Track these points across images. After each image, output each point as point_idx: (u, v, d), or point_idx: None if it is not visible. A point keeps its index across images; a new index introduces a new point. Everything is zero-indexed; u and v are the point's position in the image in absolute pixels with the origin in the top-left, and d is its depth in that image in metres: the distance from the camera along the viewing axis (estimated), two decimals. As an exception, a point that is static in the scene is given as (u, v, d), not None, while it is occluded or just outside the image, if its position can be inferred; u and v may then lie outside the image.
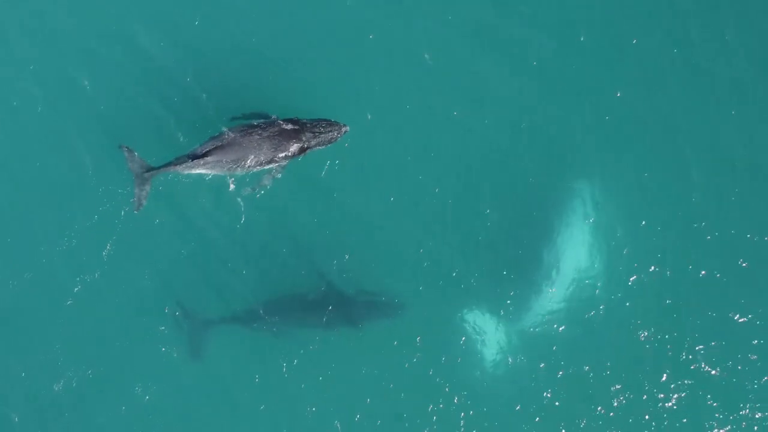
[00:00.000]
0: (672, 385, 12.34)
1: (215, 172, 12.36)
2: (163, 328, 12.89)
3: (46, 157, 13.30)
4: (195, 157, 12.07)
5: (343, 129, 12.45)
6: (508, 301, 12.69)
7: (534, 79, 12.97)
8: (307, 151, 12.40)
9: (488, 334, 12.66)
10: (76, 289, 13.04)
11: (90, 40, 13.27)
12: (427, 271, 12.80)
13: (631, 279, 12.57)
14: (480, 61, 13.03)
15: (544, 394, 12.49)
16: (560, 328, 12.56)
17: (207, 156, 12.08)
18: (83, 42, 13.29)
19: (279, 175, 12.52)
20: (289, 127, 12.24)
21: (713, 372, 12.30)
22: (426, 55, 13.04)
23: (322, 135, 12.37)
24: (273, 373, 12.82)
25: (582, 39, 12.95)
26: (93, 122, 13.18)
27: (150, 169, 12.16)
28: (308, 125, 12.33)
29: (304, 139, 12.28)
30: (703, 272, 12.49)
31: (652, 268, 12.54)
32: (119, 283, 12.98)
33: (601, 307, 12.52)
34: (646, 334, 12.47)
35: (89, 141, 13.16)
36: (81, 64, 13.25)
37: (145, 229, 12.99)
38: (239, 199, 12.79)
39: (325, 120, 12.43)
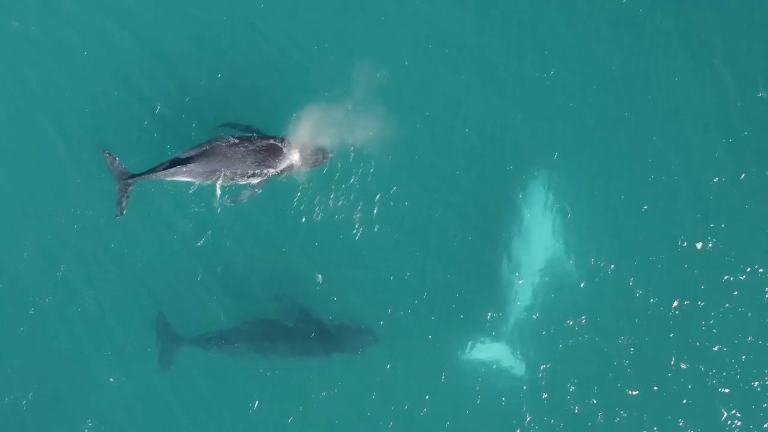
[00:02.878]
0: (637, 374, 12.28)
1: (197, 181, 12.13)
2: (109, 353, 12.51)
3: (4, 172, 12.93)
4: (178, 162, 11.85)
5: (329, 155, 12.44)
6: (489, 314, 12.47)
7: (499, 84, 13.03)
8: (291, 171, 12.30)
9: (471, 352, 12.44)
10: (30, 311, 12.60)
11: (79, 42, 13.10)
12: (405, 295, 12.55)
13: (598, 268, 12.48)
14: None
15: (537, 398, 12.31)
16: (541, 328, 12.41)
17: (190, 162, 11.87)
18: (71, 43, 13.10)
19: (259, 191, 12.31)
20: (276, 143, 12.14)
21: (685, 365, 12.23)
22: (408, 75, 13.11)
23: (311, 156, 12.34)
24: (240, 405, 12.37)
25: (552, 40, 13.09)
26: (73, 131, 12.94)
27: (132, 176, 11.89)
28: (294, 145, 12.28)
29: (292, 158, 12.24)
30: (673, 261, 12.48)
31: (621, 257, 12.51)
32: (73, 307, 12.63)
33: (576, 302, 12.43)
34: (616, 320, 12.41)
35: (58, 154, 12.89)
36: (65, 69, 13.06)
37: (100, 247, 12.66)
38: (215, 212, 12.54)
39: (310, 142, 12.38)
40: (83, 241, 12.62)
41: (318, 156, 12.35)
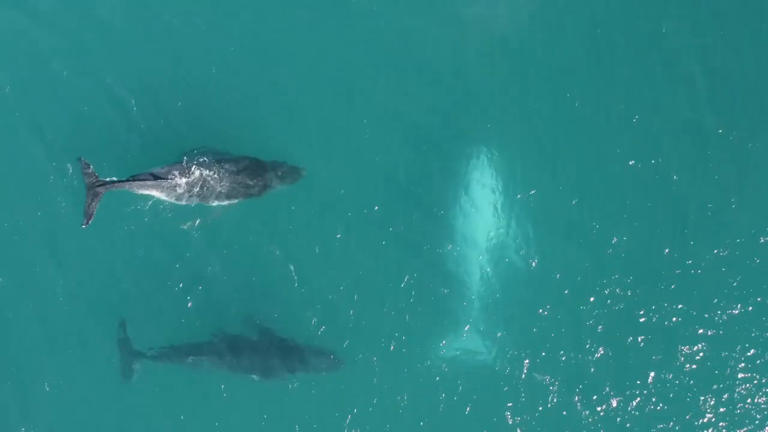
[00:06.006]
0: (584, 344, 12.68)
1: (171, 199, 11.96)
2: (71, 365, 12.45)
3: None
4: (154, 176, 11.67)
5: (303, 171, 12.48)
6: (447, 312, 12.74)
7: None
8: (268, 191, 12.28)
9: (436, 354, 12.64)
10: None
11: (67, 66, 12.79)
12: (366, 313, 12.67)
13: (546, 249, 12.83)
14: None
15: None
16: (500, 311, 12.72)
17: (168, 179, 11.71)
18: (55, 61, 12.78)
19: (226, 210, 12.32)
20: (253, 164, 12.13)
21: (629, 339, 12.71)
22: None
23: (285, 175, 12.34)
24: (202, 421, 12.42)
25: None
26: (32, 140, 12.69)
27: (103, 183, 11.58)
28: (270, 165, 12.28)
29: (267, 178, 12.20)
30: (615, 239, 12.88)
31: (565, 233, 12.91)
32: (27, 320, 12.54)
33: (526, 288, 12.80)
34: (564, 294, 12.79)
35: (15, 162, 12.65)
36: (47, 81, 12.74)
37: (56, 258, 12.55)
38: (182, 227, 12.44)
39: (285, 162, 12.41)
40: (37, 251, 12.47)
41: (295, 174, 12.40)
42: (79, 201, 11.88)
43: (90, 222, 11.67)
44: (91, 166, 11.60)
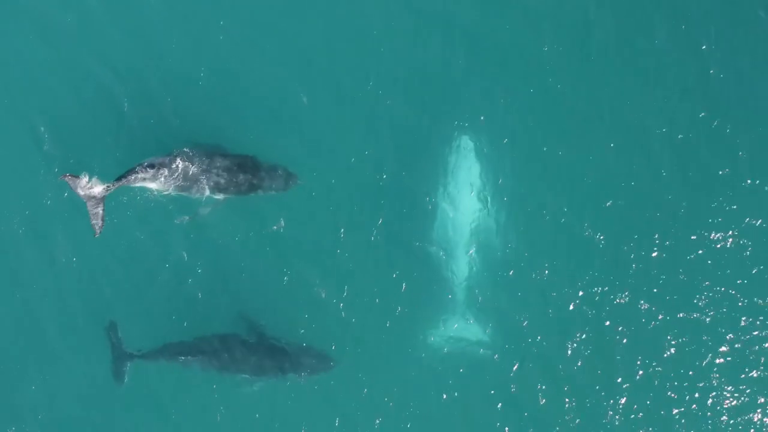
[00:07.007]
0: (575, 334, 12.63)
1: (168, 190, 11.87)
2: (61, 366, 12.42)
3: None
4: (151, 168, 11.59)
5: (297, 180, 12.42)
6: (436, 301, 12.69)
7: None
8: (258, 192, 12.23)
9: (429, 346, 12.61)
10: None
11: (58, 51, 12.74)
12: (354, 310, 12.58)
13: (528, 233, 12.80)
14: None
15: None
16: (489, 294, 12.68)
17: (163, 168, 11.65)
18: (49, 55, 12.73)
19: (219, 207, 12.27)
20: (250, 162, 12.11)
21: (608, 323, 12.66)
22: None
23: (277, 180, 12.28)
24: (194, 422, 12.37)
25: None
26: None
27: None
28: (265, 166, 12.23)
29: (259, 178, 12.15)
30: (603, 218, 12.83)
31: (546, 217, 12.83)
32: (19, 320, 12.49)
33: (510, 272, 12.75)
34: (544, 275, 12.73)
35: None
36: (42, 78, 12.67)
37: (48, 254, 12.44)
38: (174, 224, 12.36)
39: (281, 167, 12.34)
40: (26, 248, 12.40)
41: (289, 181, 12.36)
42: (71, 196, 11.86)
43: (101, 231, 11.59)
44: (79, 177, 11.38)
